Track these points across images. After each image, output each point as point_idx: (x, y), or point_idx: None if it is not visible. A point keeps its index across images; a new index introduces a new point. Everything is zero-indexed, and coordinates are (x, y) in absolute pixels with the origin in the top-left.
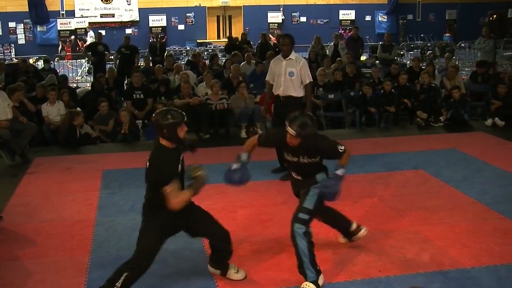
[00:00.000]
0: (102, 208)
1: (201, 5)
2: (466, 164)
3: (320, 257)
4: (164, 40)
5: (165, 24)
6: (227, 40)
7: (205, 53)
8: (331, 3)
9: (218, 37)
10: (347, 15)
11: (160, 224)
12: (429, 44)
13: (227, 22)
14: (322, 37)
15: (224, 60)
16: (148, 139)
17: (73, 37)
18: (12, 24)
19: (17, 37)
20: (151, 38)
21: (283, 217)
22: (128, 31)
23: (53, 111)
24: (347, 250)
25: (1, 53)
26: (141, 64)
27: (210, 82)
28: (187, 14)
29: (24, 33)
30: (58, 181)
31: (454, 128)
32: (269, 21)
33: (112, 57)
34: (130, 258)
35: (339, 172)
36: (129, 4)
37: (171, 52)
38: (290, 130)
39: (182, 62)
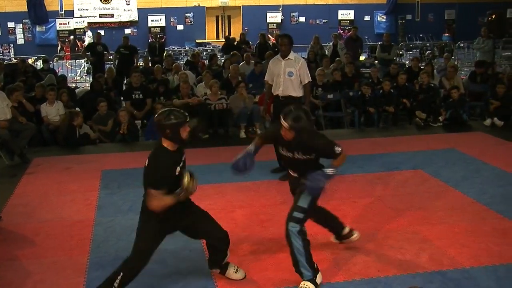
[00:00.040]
0: (101, 208)
1: (200, 5)
2: (465, 164)
3: (319, 257)
4: (163, 40)
5: (164, 24)
6: (224, 40)
7: (204, 53)
8: (330, 3)
9: (217, 37)
10: (346, 15)
11: (156, 223)
12: (428, 44)
13: (226, 22)
14: (321, 37)
15: (223, 60)
16: (147, 139)
17: (72, 37)
18: (11, 24)
19: (16, 37)
20: (150, 38)
21: (282, 217)
22: (127, 31)
23: (52, 111)
24: (346, 250)
25: (0, 53)
26: (140, 64)
27: (209, 82)
28: (186, 14)
29: (23, 33)
30: (57, 181)
31: (453, 128)
32: (268, 21)
33: (111, 57)
34: (127, 258)
35: (329, 170)
36: (128, 4)
37: (170, 52)
38: (284, 123)
39: (181, 62)
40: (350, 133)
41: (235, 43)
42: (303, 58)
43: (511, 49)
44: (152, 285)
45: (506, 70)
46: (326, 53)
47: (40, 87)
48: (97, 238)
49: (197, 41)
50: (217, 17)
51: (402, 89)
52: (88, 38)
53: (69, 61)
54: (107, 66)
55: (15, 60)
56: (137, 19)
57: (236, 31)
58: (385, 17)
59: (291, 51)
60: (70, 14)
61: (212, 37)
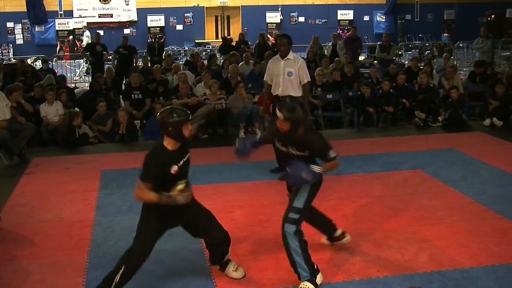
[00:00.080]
0: (100, 208)
1: (200, 5)
2: (464, 164)
3: (318, 257)
4: (162, 40)
5: (163, 24)
6: (221, 41)
7: (203, 53)
8: (329, 3)
9: (217, 37)
10: (345, 15)
11: (156, 219)
12: (427, 44)
13: (226, 22)
14: (320, 37)
15: (222, 60)
16: (146, 139)
17: (71, 37)
18: (10, 24)
19: (15, 37)
20: (149, 38)
21: (281, 217)
22: (126, 31)
23: (51, 111)
24: (345, 250)
25: None
26: (140, 64)
27: (208, 82)
28: (186, 14)
29: (22, 33)
30: (56, 181)
31: (452, 128)
32: (267, 21)
33: (111, 57)
34: (126, 252)
35: (315, 167)
36: (127, 4)
37: (169, 52)
38: (279, 114)
39: (181, 62)
40: (349, 133)
41: (233, 43)
42: (302, 58)
43: (510, 49)
44: (151, 285)
45: (505, 70)
46: (326, 53)
47: (39, 87)
48: (97, 238)
49: (196, 41)
50: (216, 17)
51: (402, 89)
52: (86, 38)
53: (68, 61)
54: (106, 66)
55: (14, 60)
56: (136, 19)
57: (235, 31)
58: (384, 17)
59: (290, 51)
60: (69, 14)
61: (211, 37)
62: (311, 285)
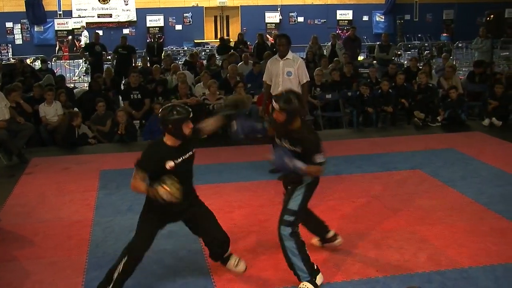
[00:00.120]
0: (99, 208)
1: (199, 5)
2: (463, 164)
3: (317, 257)
4: (161, 40)
5: (162, 24)
6: (218, 41)
7: (203, 53)
8: (328, 3)
9: (216, 37)
10: (345, 15)
11: (156, 213)
12: (426, 44)
13: (225, 22)
14: (320, 37)
15: (220, 61)
16: (145, 139)
17: (70, 37)
18: (9, 24)
19: (14, 37)
20: (149, 38)
21: None
22: (126, 31)
23: (51, 111)
24: (344, 250)
25: None
26: (139, 64)
27: (207, 82)
28: (185, 14)
29: (21, 33)
30: (55, 182)
31: (451, 128)
32: (266, 21)
33: (110, 57)
34: (128, 245)
35: (299, 162)
36: (126, 4)
37: (168, 52)
38: (275, 105)
39: (180, 62)
40: (348, 133)
41: (230, 43)
42: (302, 58)
43: (509, 49)
44: (150, 285)
45: (504, 70)
46: (325, 53)
47: (38, 87)
48: (96, 239)
49: (195, 41)
50: (215, 17)
51: (401, 89)
52: (84, 38)
53: (67, 61)
54: (105, 66)
55: (13, 60)
56: (135, 19)
57: (234, 31)
58: (383, 17)
59: (289, 51)
60: (68, 14)
61: (211, 37)
62: (311, 285)
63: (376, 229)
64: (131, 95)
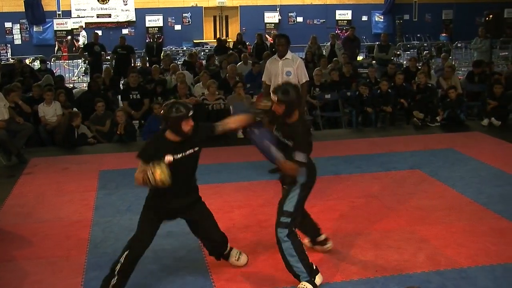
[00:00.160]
0: (99, 208)
1: (198, 5)
2: (462, 164)
3: (316, 257)
4: (160, 40)
5: (161, 24)
6: (216, 41)
7: (202, 53)
8: (327, 3)
9: (215, 37)
10: (344, 15)
11: (154, 210)
12: (425, 44)
13: (224, 22)
14: (319, 37)
15: (217, 61)
16: (145, 140)
17: (69, 37)
18: (8, 25)
19: (13, 37)
20: (148, 38)
21: None
22: (125, 31)
23: (50, 111)
24: (343, 250)
25: None
26: (138, 65)
27: (206, 82)
28: (184, 14)
29: (21, 33)
30: (54, 182)
31: (450, 128)
32: (265, 21)
33: (109, 57)
34: (129, 240)
35: (279, 153)
36: (125, 4)
37: (167, 52)
38: (273, 97)
39: (179, 63)
40: (347, 133)
41: (228, 44)
42: (301, 58)
43: (508, 49)
44: (149, 285)
45: (503, 70)
46: (324, 53)
47: (38, 87)
48: (95, 239)
49: (194, 41)
50: (214, 17)
51: (400, 89)
52: (82, 38)
53: (67, 61)
54: (104, 66)
55: (12, 60)
56: (134, 19)
57: (233, 31)
58: (382, 17)
59: (289, 51)
60: (67, 14)
61: (210, 37)
62: (310, 285)
63: (375, 229)
64: (130, 95)
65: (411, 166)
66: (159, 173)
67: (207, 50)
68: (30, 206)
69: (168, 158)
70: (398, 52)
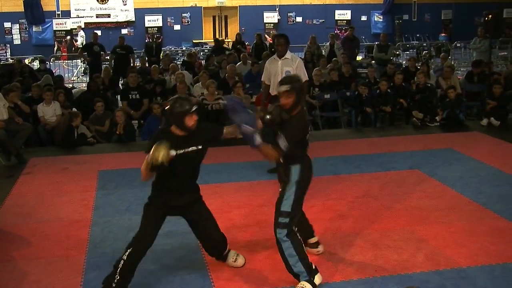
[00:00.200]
0: (98, 208)
1: (197, 5)
2: (461, 164)
3: (315, 257)
4: (160, 40)
5: (161, 24)
6: (213, 42)
7: (201, 53)
8: (326, 3)
9: (214, 37)
10: (343, 15)
11: (156, 207)
12: (424, 44)
13: (223, 22)
14: (318, 37)
15: (215, 62)
16: (144, 140)
17: (68, 37)
18: (7, 25)
19: (12, 37)
20: (147, 38)
21: None
22: (124, 31)
23: (49, 111)
24: (342, 250)
25: None
26: (137, 65)
27: (206, 82)
28: (183, 14)
29: (20, 33)
30: (54, 182)
31: (449, 128)
32: (265, 21)
33: (108, 57)
34: (132, 239)
35: (258, 136)
36: (125, 4)
37: (167, 52)
38: (284, 87)
39: (178, 63)
40: (347, 133)
41: (225, 44)
42: (300, 58)
43: (507, 49)
44: (149, 285)
45: (502, 70)
46: (323, 53)
47: (37, 87)
48: (94, 239)
49: (194, 41)
50: (214, 17)
51: (399, 89)
52: (80, 38)
53: (66, 61)
54: (104, 66)
55: (11, 61)
56: (134, 19)
57: (233, 31)
58: (382, 17)
59: (288, 51)
60: (66, 14)
61: (209, 37)
62: (309, 285)
63: (375, 229)
64: (130, 95)
65: (410, 166)
66: (162, 150)
67: (207, 50)
68: (30, 206)
69: (171, 153)
70: (397, 52)
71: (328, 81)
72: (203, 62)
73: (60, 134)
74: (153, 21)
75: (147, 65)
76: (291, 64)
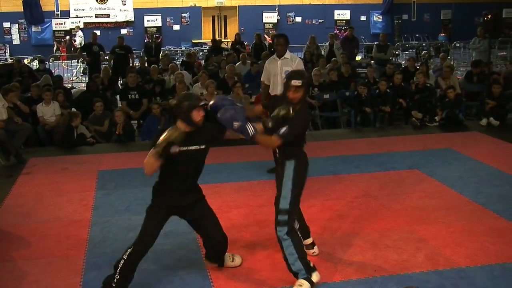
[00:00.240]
0: (97, 208)
1: (196, 5)
2: (461, 164)
3: (315, 257)
4: (159, 40)
5: (160, 24)
6: (211, 42)
7: (200, 53)
8: (326, 3)
9: (214, 37)
10: (342, 15)
11: (159, 207)
12: (424, 44)
13: (222, 22)
14: (317, 37)
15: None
16: (143, 140)
17: (68, 37)
18: (6, 25)
19: (11, 37)
20: (146, 38)
21: None
22: (123, 31)
23: (48, 111)
24: (342, 250)
25: None
26: (137, 65)
27: (205, 82)
28: (182, 14)
29: (19, 33)
30: (53, 182)
31: (449, 128)
32: (264, 21)
33: (107, 57)
34: (135, 240)
35: (250, 126)
36: (124, 4)
37: (166, 52)
38: (296, 82)
39: (178, 63)
40: (346, 133)
41: (222, 44)
42: (299, 58)
43: (507, 49)
44: (148, 285)
45: (502, 70)
46: (322, 53)
47: (36, 87)
48: (94, 239)
49: (193, 41)
50: (213, 17)
51: (398, 89)
52: (79, 38)
53: (65, 61)
54: (103, 66)
55: (10, 61)
56: (133, 19)
57: (232, 31)
58: (381, 17)
59: (287, 51)
60: (66, 14)
61: (209, 37)
62: (307, 282)
63: (374, 229)
64: (129, 95)
65: (409, 166)
66: (176, 131)
67: (206, 50)
68: (29, 206)
69: (174, 148)
70: (396, 52)
71: (327, 81)
72: (202, 62)
73: (60, 134)
74: (152, 21)
75: (146, 65)
76: (290, 64)
